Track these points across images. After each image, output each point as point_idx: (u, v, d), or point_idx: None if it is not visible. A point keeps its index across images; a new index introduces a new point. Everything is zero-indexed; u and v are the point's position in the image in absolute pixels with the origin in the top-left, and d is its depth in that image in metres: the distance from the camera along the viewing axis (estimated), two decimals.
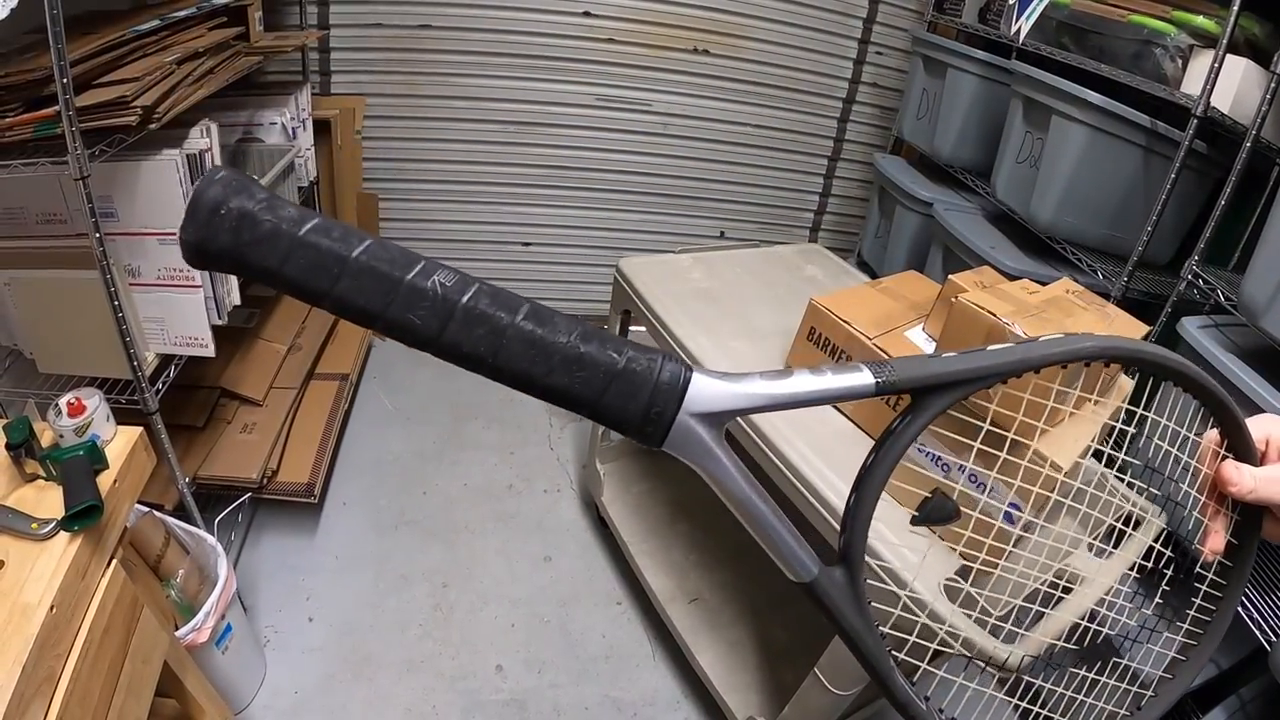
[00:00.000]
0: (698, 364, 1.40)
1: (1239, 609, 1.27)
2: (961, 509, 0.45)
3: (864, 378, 0.39)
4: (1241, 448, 0.48)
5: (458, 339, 0.34)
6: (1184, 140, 1.49)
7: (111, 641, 0.92)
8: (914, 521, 0.46)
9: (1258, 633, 1.28)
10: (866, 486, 0.42)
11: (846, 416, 1.27)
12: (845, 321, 1.22)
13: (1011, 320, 0.95)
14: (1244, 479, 0.47)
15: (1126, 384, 1.28)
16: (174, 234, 1.31)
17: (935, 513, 0.45)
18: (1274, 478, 0.48)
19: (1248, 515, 0.49)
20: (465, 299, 0.34)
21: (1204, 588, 0.52)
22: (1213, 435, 0.49)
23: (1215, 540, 0.49)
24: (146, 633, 1.01)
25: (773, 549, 0.41)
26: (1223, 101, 1.47)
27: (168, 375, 1.41)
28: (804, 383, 0.39)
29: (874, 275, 2.33)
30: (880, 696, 1.50)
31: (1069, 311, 1.07)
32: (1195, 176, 1.68)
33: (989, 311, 0.97)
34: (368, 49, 2.29)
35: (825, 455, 1.12)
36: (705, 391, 0.37)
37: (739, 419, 1.23)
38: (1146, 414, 0.54)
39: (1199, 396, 0.47)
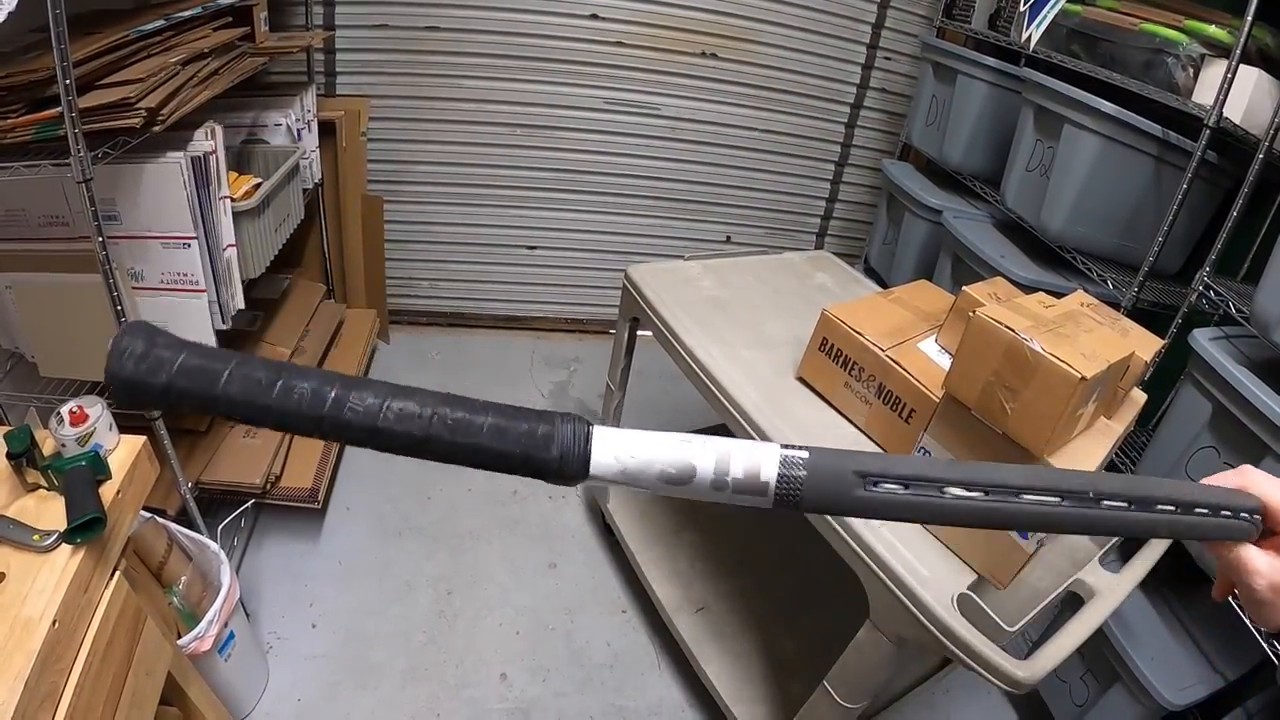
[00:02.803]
0: (711, 377, 1.37)
1: (1245, 621, 1.27)
2: None
3: None
4: None
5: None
6: (1196, 151, 1.48)
7: (115, 655, 0.90)
8: None
9: (1265, 645, 1.27)
10: None
11: (859, 429, 1.26)
12: (858, 332, 1.21)
13: (1029, 335, 0.94)
14: None
15: (1139, 397, 1.27)
16: (179, 237, 1.31)
17: None
18: None
19: None
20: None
21: None
22: None
23: None
24: (150, 644, 0.99)
25: None
26: (1235, 112, 1.46)
27: None
28: None
29: (881, 282, 2.31)
30: (888, 706, 1.49)
31: (1085, 326, 1.06)
32: (1206, 186, 1.67)
33: (1006, 326, 0.95)
34: (374, 50, 2.28)
35: None
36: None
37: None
38: None
39: None
